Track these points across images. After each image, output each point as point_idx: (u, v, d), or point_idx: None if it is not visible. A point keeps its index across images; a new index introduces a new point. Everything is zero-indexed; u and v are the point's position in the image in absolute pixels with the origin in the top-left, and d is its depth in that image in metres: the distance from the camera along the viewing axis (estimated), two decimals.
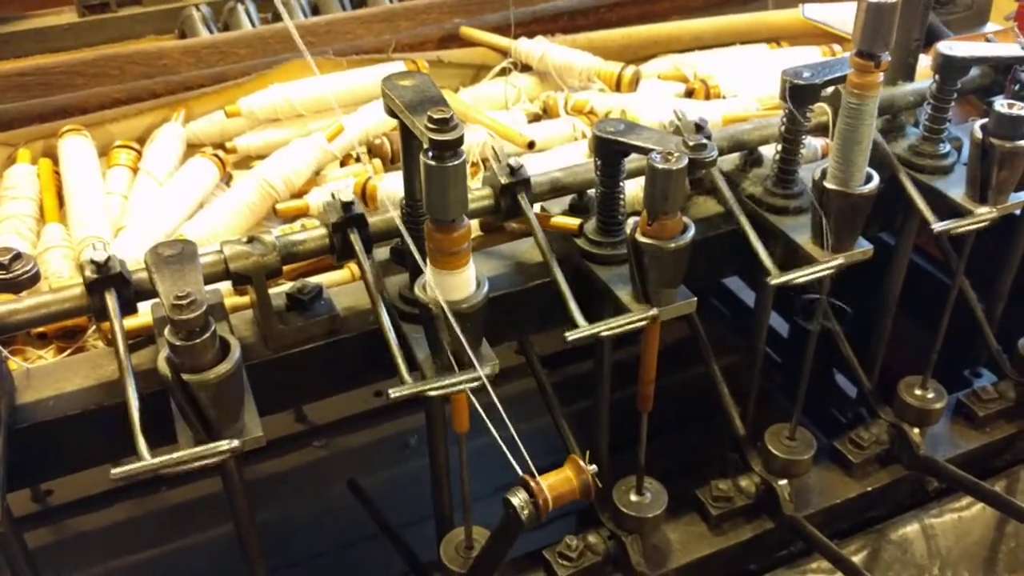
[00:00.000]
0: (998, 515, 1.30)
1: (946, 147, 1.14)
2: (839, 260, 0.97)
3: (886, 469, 1.26)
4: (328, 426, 2.05)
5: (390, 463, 2.02)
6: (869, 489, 1.24)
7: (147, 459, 0.74)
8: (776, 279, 0.97)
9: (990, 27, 1.67)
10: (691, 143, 0.88)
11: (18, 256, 0.73)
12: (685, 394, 1.37)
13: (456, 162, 0.74)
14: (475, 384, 0.81)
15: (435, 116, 0.73)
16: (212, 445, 0.75)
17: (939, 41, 1.61)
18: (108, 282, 0.83)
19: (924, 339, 1.27)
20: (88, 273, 0.82)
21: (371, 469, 1.99)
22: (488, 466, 0.96)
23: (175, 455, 0.75)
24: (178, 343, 0.72)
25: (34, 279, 0.74)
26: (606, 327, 0.89)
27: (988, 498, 1.22)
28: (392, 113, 0.82)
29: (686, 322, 1.16)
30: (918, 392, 1.25)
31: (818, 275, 0.97)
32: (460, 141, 0.73)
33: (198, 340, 0.72)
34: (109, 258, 0.82)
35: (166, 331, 0.73)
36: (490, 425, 0.76)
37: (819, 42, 1.55)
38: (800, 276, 0.97)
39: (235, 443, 0.74)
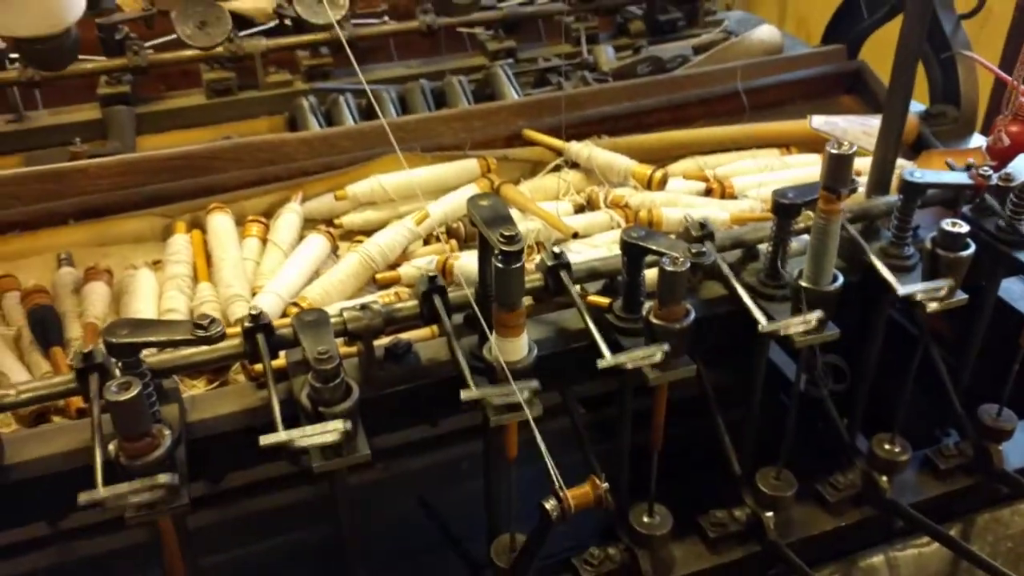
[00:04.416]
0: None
1: (910, 250, 1.37)
2: (817, 313, 1.21)
3: (858, 508, 1.48)
4: (386, 451, 2.32)
5: (444, 485, 2.28)
6: (842, 524, 1.46)
7: (281, 433, 0.99)
8: (765, 328, 1.20)
9: (976, 139, 1.90)
10: (693, 250, 1.15)
11: (213, 320, 1.02)
12: (696, 438, 1.62)
13: (517, 265, 1.01)
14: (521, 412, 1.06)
15: (505, 234, 1.00)
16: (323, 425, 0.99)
17: (928, 149, 1.87)
18: (260, 330, 1.12)
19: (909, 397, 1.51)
20: (246, 324, 1.12)
21: (427, 489, 2.26)
22: (528, 497, 1.21)
23: (302, 429, 0.98)
24: (318, 385, 1.01)
25: (223, 337, 1.03)
26: (627, 358, 1.12)
27: (941, 539, 1.44)
28: (474, 224, 1.10)
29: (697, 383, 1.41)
30: (887, 447, 1.48)
31: (792, 330, 1.20)
32: (522, 252, 1.00)
33: (332, 383, 1.01)
34: (262, 313, 1.11)
35: (309, 376, 1.02)
36: (543, 447, 1.03)
37: (823, 149, 1.80)
38: (781, 326, 1.20)
39: (347, 425, 0.99)
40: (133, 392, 0.91)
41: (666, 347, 1.12)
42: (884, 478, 1.48)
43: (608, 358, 1.12)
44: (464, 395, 1.04)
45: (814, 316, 1.18)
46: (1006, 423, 1.53)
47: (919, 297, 1.25)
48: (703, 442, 1.58)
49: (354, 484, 1.20)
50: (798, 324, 1.19)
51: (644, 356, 1.12)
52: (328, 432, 0.98)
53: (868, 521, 1.49)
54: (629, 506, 1.37)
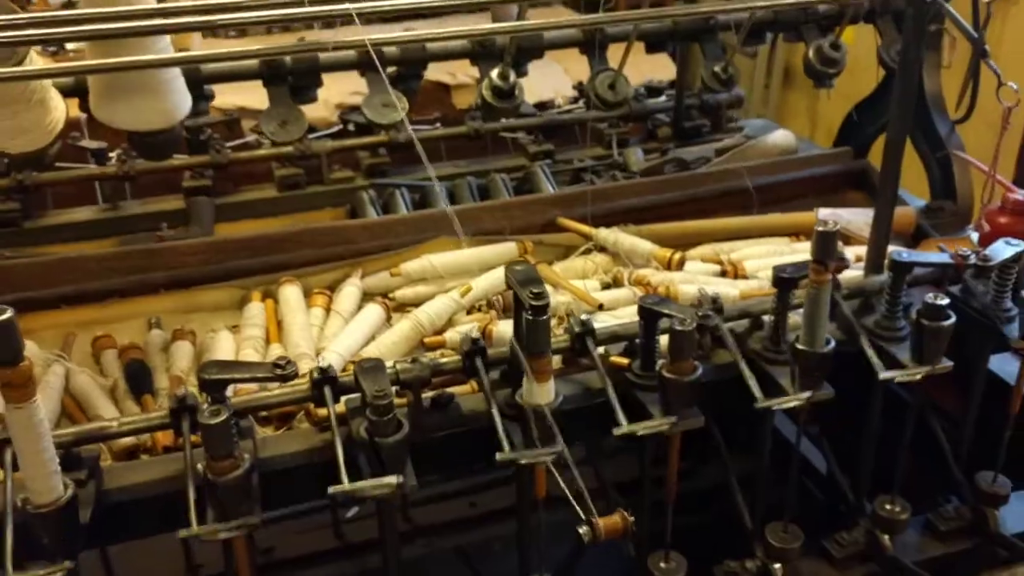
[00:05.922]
0: None
1: (901, 322, 1.50)
2: (806, 395, 1.35)
3: (863, 565, 1.57)
4: (429, 528, 2.45)
5: (478, 563, 2.39)
6: None
7: (347, 485, 1.16)
8: (761, 404, 1.35)
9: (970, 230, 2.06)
10: (700, 314, 1.31)
11: (289, 361, 1.20)
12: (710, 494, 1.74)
13: (544, 318, 1.18)
14: (551, 457, 1.22)
15: (534, 291, 1.17)
16: (384, 479, 1.17)
17: (927, 239, 2.02)
18: (328, 381, 1.29)
19: (911, 463, 1.62)
20: (315, 375, 1.29)
21: (464, 566, 2.37)
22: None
23: (363, 482, 1.16)
24: (374, 419, 1.17)
25: (296, 375, 1.21)
26: (641, 427, 1.29)
27: None
28: (509, 285, 1.28)
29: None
30: (888, 506, 1.58)
31: (787, 405, 1.35)
32: (547, 307, 1.17)
33: (386, 417, 1.17)
34: (330, 366, 1.29)
35: (367, 411, 1.18)
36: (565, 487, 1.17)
37: None
38: (777, 403, 1.35)
39: (400, 479, 1.16)
40: (222, 416, 1.09)
41: (674, 419, 1.27)
42: (886, 536, 1.58)
43: (624, 427, 1.27)
44: (499, 457, 1.20)
45: (805, 396, 1.33)
46: (1001, 488, 1.62)
47: (899, 380, 1.39)
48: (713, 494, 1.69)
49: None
50: (792, 401, 1.34)
51: (654, 426, 1.28)
52: (384, 485, 1.14)
53: None
54: (648, 554, 1.48)
